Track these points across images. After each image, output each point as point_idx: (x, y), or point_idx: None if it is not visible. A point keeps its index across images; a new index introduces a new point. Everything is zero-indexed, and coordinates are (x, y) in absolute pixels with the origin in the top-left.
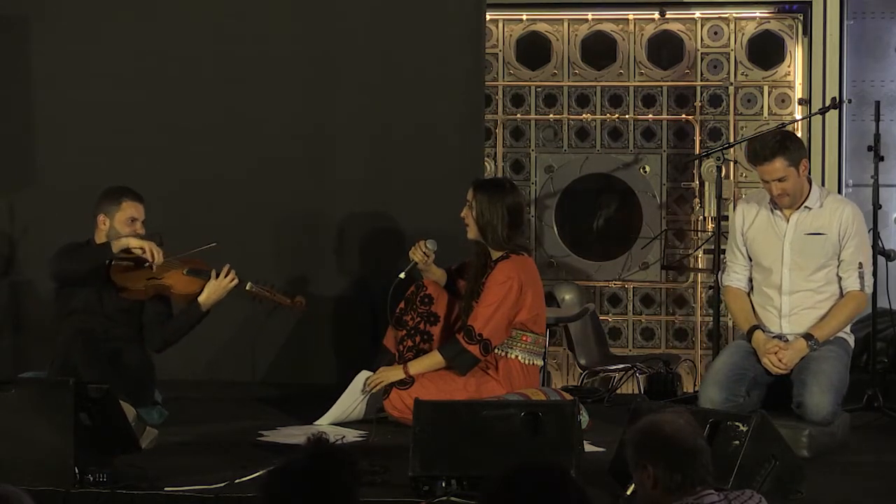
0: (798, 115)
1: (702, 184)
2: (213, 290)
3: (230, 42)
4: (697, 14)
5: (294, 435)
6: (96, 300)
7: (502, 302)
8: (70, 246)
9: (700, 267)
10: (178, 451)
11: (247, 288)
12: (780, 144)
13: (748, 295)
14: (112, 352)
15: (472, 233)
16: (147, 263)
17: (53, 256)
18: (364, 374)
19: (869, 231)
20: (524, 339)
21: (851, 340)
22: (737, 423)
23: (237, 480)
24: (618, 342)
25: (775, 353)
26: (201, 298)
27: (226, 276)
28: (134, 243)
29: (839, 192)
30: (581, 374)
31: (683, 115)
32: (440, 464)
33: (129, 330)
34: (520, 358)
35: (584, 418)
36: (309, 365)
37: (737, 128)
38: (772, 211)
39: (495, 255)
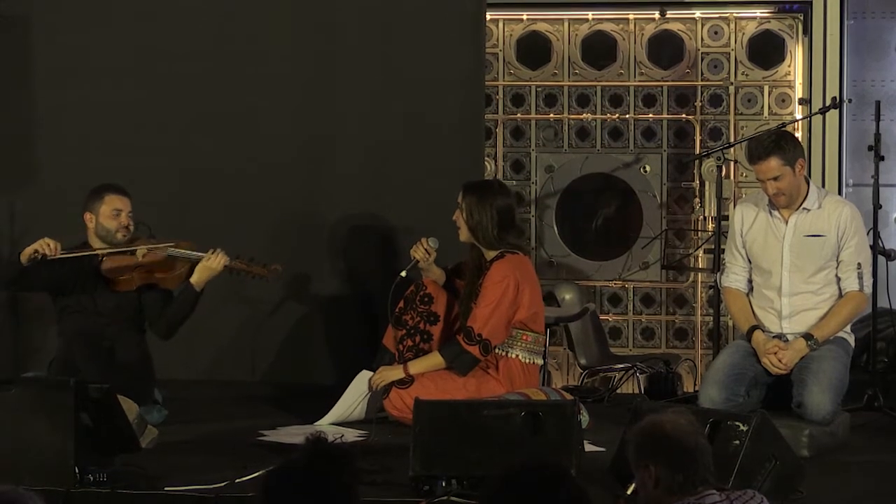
0: (798, 115)
1: (702, 183)
2: (202, 270)
3: (230, 41)
4: (698, 14)
5: (294, 434)
6: (89, 299)
7: (500, 301)
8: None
9: (700, 267)
10: (179, 450)
11: (227, 263)
12: (776, 144)
13: (747, 296)
14: (110, 349)
15: (464, 235)
16: (94, 252)
17: None
18: (364, 373)
19: (869, 231)
20: (524, 338)
21: (851, 340)
22: (737, 423)
23: (237, 480)
24: (618, 342)
25: (775, 353)
26: (193, 279)
27: (213, 254)
28: (27, 251)
29: (839, 191)
30: (581, 373)
31: (684, 115)
32: (440, 463)
33: (124, 326)
34: (520, 357)
35: (585, 418)
36: (309, 364)
37: (737, 128)
38: (770, 213)
39: (490, 255)
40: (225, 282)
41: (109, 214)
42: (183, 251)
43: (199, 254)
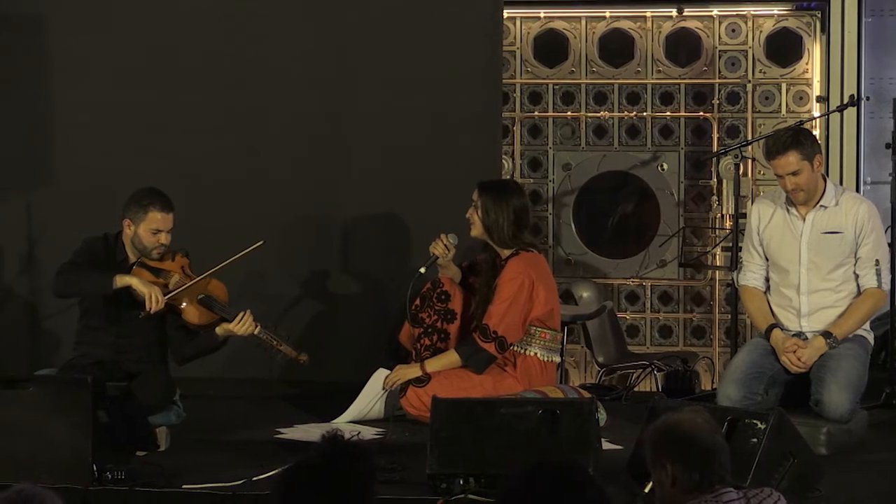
0: (816, 113)
1: (720, 181)
2: (228, 332)
3: (246, 40)
4: (715, 11)
5: (311, 432)
6: (114, 311)
7: (515, 298)
8: (76, 264)
9: (718, 264)
10: (196, 448)
11: (255, 332)
12: (794, 139)
13: (765, 294)
14: (127, 373)
15: (477, 230)
16: (163, 280)
17: (60, 273)
18: (381, 371)
19: (887, 229)
20: (542, 335)
21: (870, 338)
22: (755, 421)
23: (254, 478)
24: (636, 340)
25: (794, 351)
26: (218, 331)
27: (240, 321)
28: (138, 287)
29: (857, 189)
30: (599, 371)
31: (701, 113)
32: (458, 461)
33: (145, 346)
34: (538, 355)
35: (602, 416)
36: (326, 362)
37: (754, 125)
38: (787, 210)
39: (504, 253)
40: (240, 278)
41: (148, 231)
42: (215, 300)
43: (230, 308)
